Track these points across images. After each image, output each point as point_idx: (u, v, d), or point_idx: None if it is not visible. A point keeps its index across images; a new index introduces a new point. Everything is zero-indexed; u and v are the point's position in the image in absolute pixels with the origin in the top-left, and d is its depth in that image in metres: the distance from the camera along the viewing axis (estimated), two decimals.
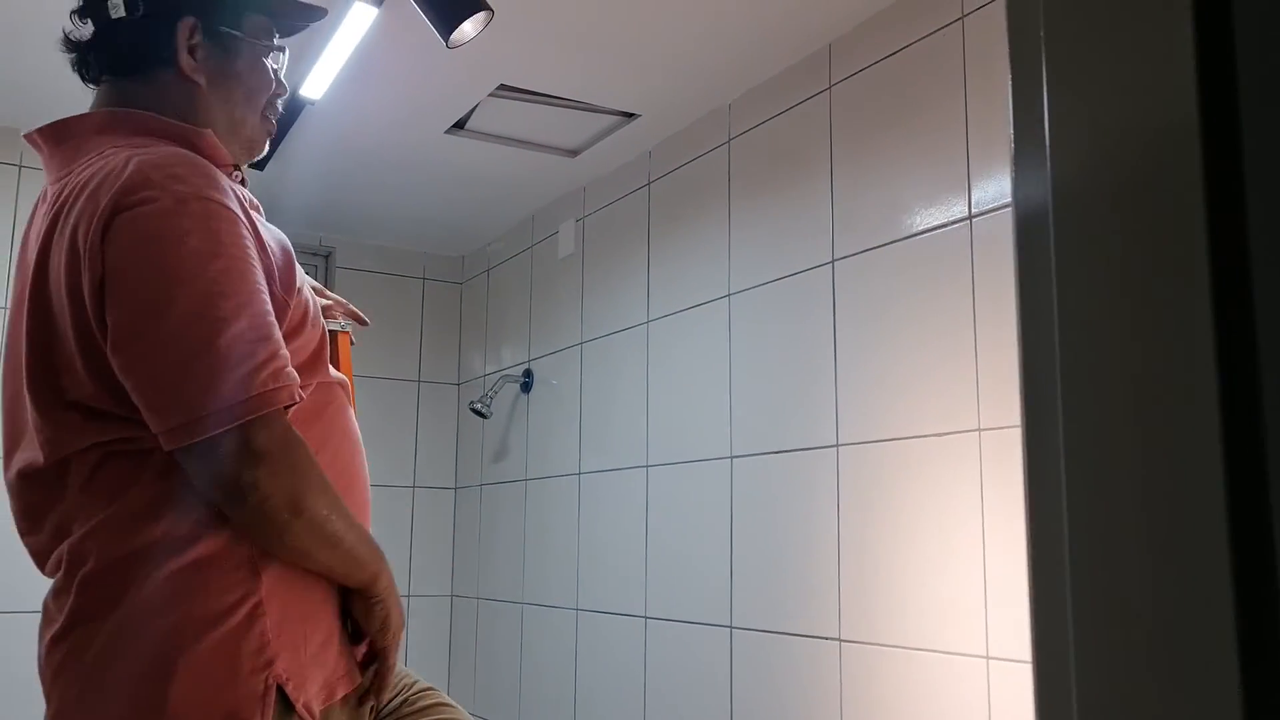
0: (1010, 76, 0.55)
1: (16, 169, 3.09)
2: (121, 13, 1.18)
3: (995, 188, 2.01)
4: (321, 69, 2.52)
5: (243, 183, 1.28)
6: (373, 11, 2.21)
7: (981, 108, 2.06)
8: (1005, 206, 1.98)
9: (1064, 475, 0.48)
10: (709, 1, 2.31)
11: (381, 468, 3.96)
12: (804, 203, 2.47)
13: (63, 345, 1.06)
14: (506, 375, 3.72)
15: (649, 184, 3.10)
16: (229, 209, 1.06)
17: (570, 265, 3.47)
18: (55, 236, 1.08)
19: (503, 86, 2.74)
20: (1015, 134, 0.53)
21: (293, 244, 4.54)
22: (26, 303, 1.11)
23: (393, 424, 4.07)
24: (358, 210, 3.74)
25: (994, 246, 2.00)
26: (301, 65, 2.58)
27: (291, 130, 2.96)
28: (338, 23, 2.30)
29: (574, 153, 3.19)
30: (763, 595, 2.48)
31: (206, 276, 1.02)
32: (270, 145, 3.07)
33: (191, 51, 1.21)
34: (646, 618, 2.90)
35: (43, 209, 1.15)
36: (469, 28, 1.82)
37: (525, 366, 3.68)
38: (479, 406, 3.61)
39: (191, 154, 1.11)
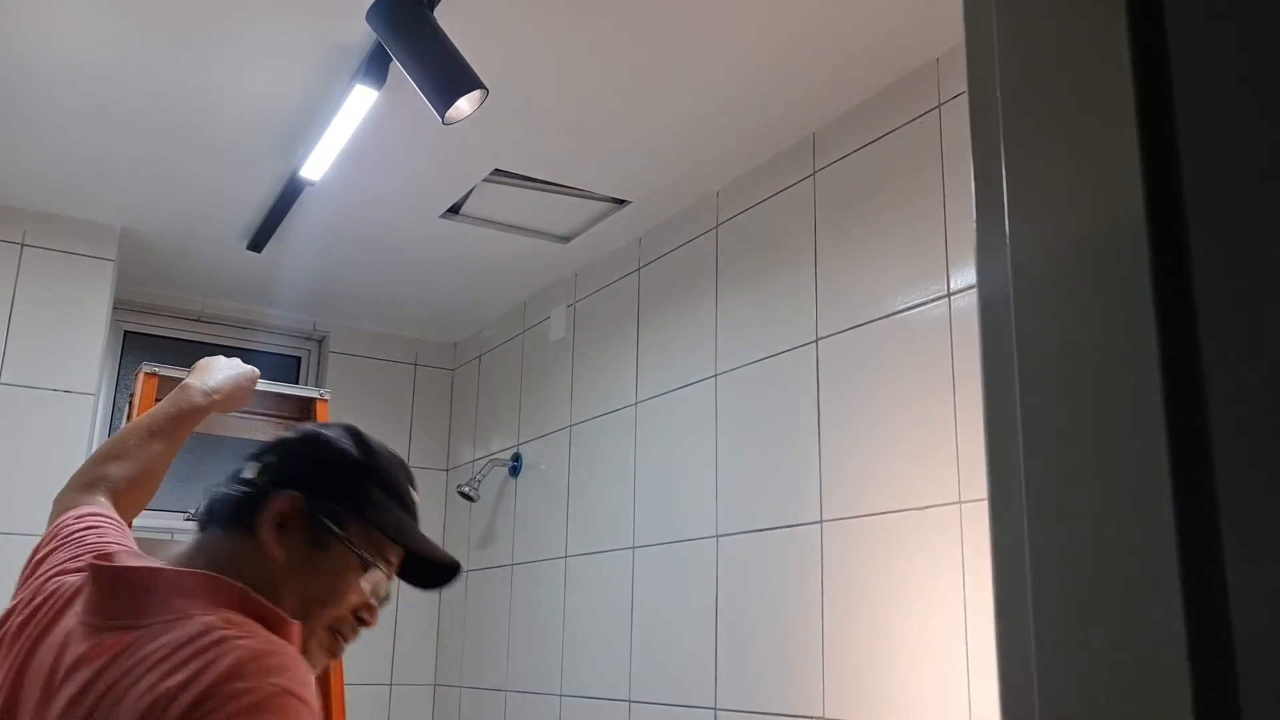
0: (973, 169, 0.58)
1: (19, 247, 3.15)
2: (250, 475, 1.17)
3: (972, 267, 2.06)
4: (322, 151, 2.60)
5: None
6: (373, 94, 2.30)
7: (959, 190, 2.13)
8: None
9: (1028, 544, 0.49)
10: (699, 92, 2.40)
11: None
12: (789, 284, 2.53)
13: None
14: (495, 459, 3.73)
15: (639, 269, 3.17)
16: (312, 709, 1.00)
17: (561, 350, 3.52)
18: (101, 680, 0.99)
19: (497, 171, 2.83)
20: (978, 220, 0.57)
21: (288, 329, 4.53)
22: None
23: None
24: (353, 294, 3.80)
25: (972, 323, 2.05)
26: (302, 147, 2.67)
27: (291, 212, 3.04)
28: (338, 104, 2.39)
29: (566, 239, 3.27)
30: (747, 675, 2.46)
31: None
32: (269, 226, 3.10)
33: (281, 526, 1.13)
34: (630, 701, 2.86)
35: (74, 623, 1.07)
36: (464, 105, 1.89)
37: (514, 450, 3.69)
38: (466, 490, 3.61)
39: (285, 643, 1.05)
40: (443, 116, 1.87)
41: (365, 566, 1.16)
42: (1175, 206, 0.47)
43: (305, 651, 1.13)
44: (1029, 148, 0.54)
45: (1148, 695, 0.43)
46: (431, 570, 1.22)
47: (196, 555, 1.15)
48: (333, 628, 1.17)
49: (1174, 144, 0.47)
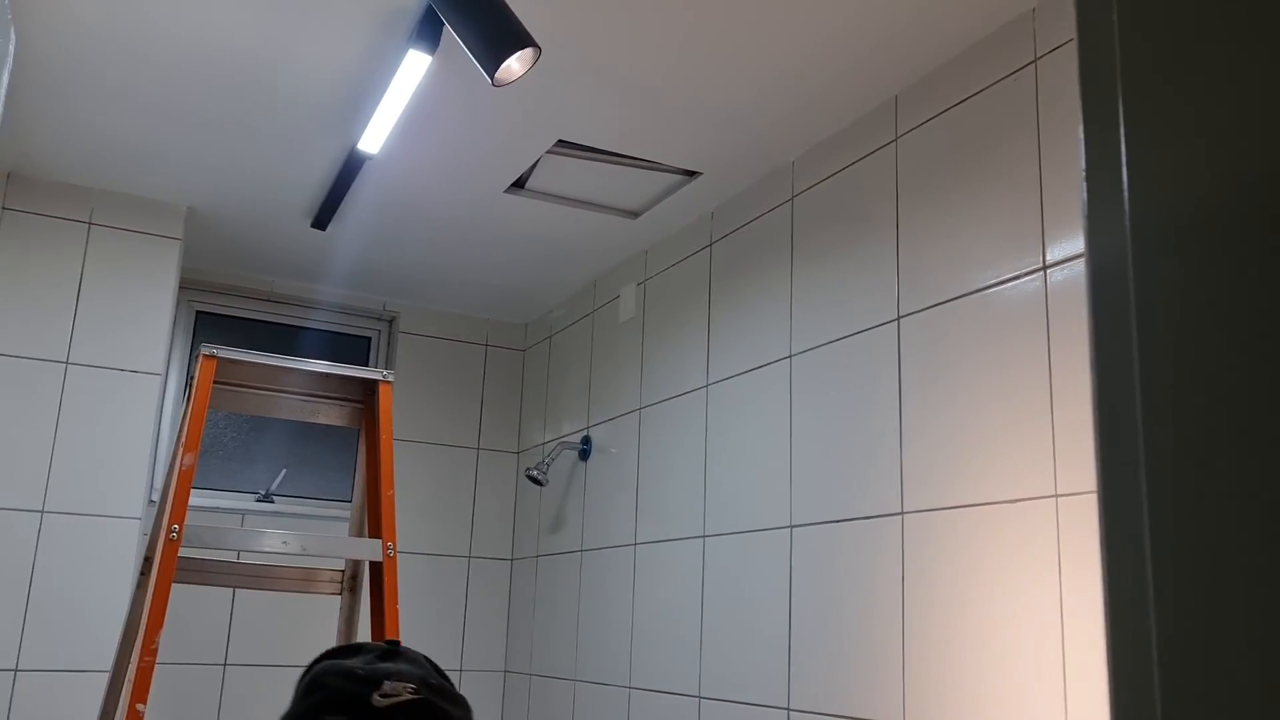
0: (1081, 117, 0.52)
1: (86, 226, 3.13)
2: None
3: (1073, 237, 1.88)
4: (379, 121, 2.50)
5: None
6: (426, 59, 2.19)
7: (1057, 154, 1.94)
8: (1083, 256, 1.85)
9: (1148, 538, 0.43)
10: (773, 55, 2.24)
11: (437, 537, 3.88)
12: (869, 258, 2.36)
13: None
14: (565, 442, 3.63)
15: (710, 245, 3.02)
16: None
17: (631, 329, 3.39)
18: None
19: (561, 142, 2.70)
20: (1088, 179, 0.50)
21: (357, 308, 4.54)
22: None
23: (451, 492, 3.99)
24: (420, 273, 3.72)
25: (1071, 298, 1.86)
26: (360, 119, 2.58)
27: (352, 188, 2.96)
28: (392, 71, 2.29)
29: (635, 214, 3.13)
30: (822, 674, 2.31)
31: None
32: (332, 203, 3.00)
33: None
34: (700, 698, 2.73)
35: None
36: (515, 65, 1.77)
37: (584, 433, 3.59)
38: (535, 474, 3.51)
39: None
40: (492, 77, 1.75)
41: None
42: None
43: None
44: (1150, 85, 0.47)
45: None
46: None
47: None
48: None
49: None
